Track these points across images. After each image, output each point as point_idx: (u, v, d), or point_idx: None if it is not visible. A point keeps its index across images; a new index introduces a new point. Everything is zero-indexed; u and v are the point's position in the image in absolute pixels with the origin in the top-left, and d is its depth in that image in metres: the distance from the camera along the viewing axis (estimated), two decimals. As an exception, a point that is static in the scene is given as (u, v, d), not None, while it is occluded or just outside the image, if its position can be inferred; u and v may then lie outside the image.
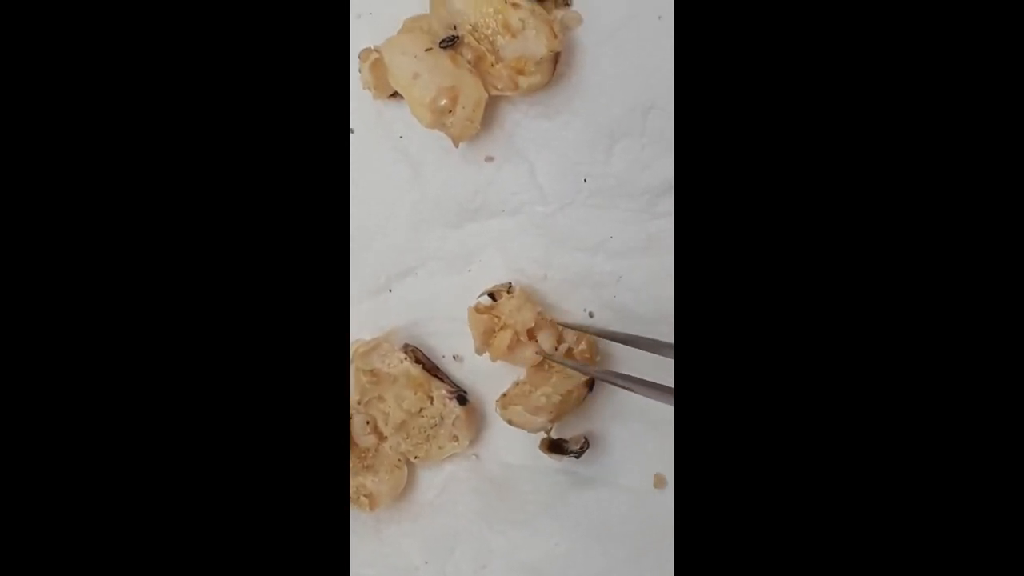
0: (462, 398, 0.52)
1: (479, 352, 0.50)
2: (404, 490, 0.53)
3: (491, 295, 0.50)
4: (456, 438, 0.52)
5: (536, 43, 0.47)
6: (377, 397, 0.52)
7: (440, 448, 0.52)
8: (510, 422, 0.49)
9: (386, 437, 0.53)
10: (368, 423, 0.52)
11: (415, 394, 0.52)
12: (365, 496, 0.52)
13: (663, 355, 0.44)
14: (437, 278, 0.52)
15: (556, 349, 0.49)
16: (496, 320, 0.49)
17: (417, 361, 0.52)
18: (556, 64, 0.48)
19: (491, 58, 0.48)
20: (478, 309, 0.50)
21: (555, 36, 0.47)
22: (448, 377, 0.53)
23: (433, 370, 0.52)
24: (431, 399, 0.52)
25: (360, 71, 0.49)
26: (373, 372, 0.52)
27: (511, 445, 0.53)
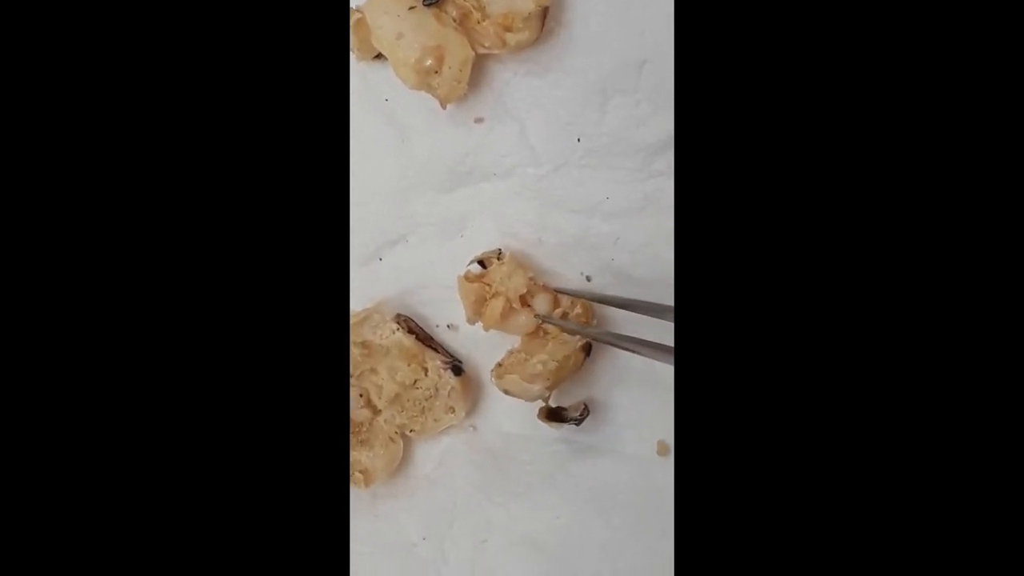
0: (457, 368, 0.50)
1: (471, 322, 0.49)
2: (400, 464, 0.52)
3: (481, 263, 0.48)
4: (452, 409, 0.51)
5: (524, -2, 0.45)
6: (370, 370, 0.51)
7: (436, 420, 0.51)
8: (506, 392, 0.48)
9: (380, 411, 0.51)
10: (361, 396, 0.51)
11: (408, 365, 0.50)
12: (360, 472, 0.51)
13: (661, 318, 0.42)
14: (428, 245, 0.51)
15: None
16: (487, 288, 0.48)
17: (410, 331, 0.51)
18: (544, 19, 0.46)
19: (477, 15, 0.46)
20: (468, 278, 0.48)
21: (543, -11, 0.45)
22: (442, 347, 0.51)
23: (427, 340, 0.51)
24: (425, 370, 0.51)
25: (342, 32, 0.48)
26: (365, 344, 0.50)
27: (509, 415, 0.51)
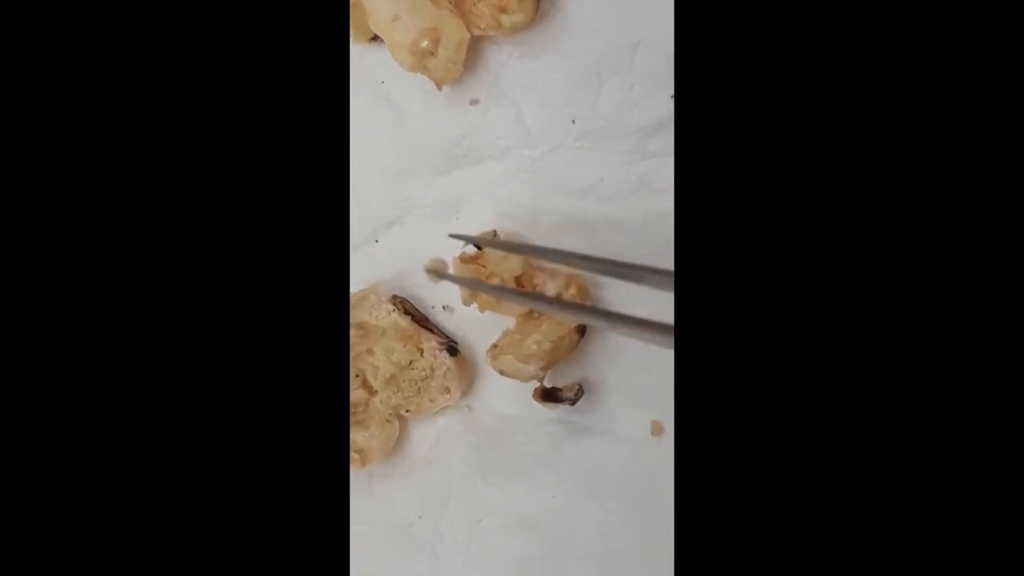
0: (452, 349, 0.51)
1: (466, 303, 0.49)
2: (396, 445, 0.52)
3: (476, 244, 0.49)
4: (448, 390, 0.51)
5: (518, -21, 0.45)
6: (366, 350, 0.51)
7: (432, 401, 0.51)
8: (501, 372, 0.48)
9: (376, 391, 0.52)
10: (357, 377, 0.51)
11: (404, 346, 0.51)
12: (356, 452, 0.52)
13: (659, 287, 0.41)
14: (424, 226, 0.51)
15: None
16: (482, 270, 0.48)
17: (406, 312, 0.51)
18: (539, 1, 0.46)
19: (472, -4, 0.46)
20: (463, 259, 0.48)
21: (538, -28, 0.45)
22: (438, 328, 0.52)
23: (422, 321, 0.51)
24: (421, 351, 0.51)
25: (338, 14, 0.48)
26: (361, 325, 0.51)
27: (505, 396, 0.52)
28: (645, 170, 0.48)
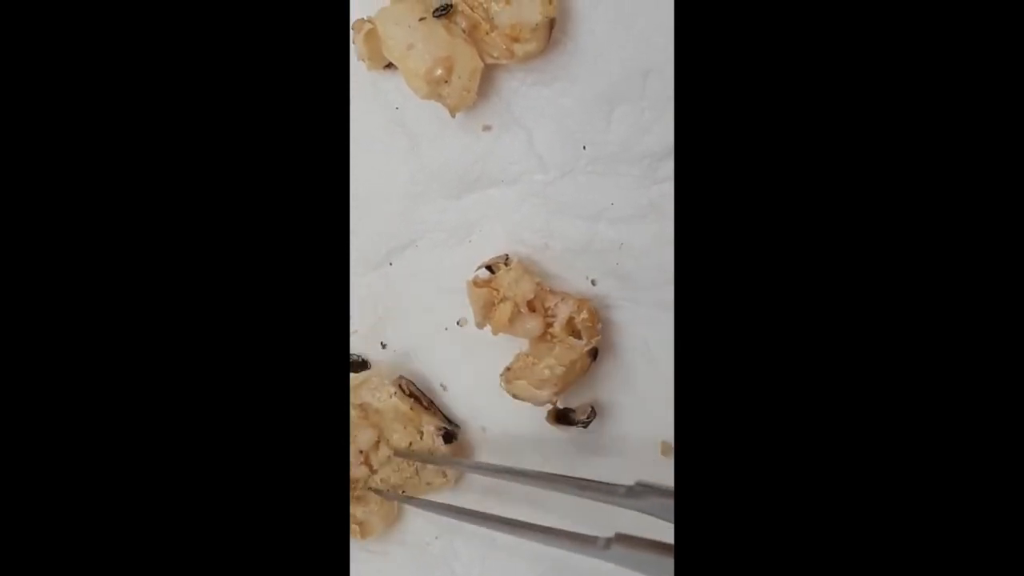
0: (448, 436, 0.52)
1: (480, 326, 0.49)
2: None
3: (489, 268, 0.49)
4: (444, 474, 0.53)
5: (531, 9, 0.46)
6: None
7: (428, 484, 0.53)
8: (515, 396, 0.49)
9: (376, 470, 0.53)
10: (361, 453, 0.52)
11: (405, 428, 0.52)
12: (355, 524, 0.53)
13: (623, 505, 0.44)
14: (438, 250, 0.52)
15: (553, 323, 0.49)
16: (495, 293, 0.49)
17: (409, 395, 0.52)
18: (552, 30, 0.47)
19: (486, 26, 0.47)
20: (476, 283, 0.49)
21: (550, 2, 0.46)
22: (439, 410, 0.53)
23: (424, 403, 0.53)
24: (421, 434, 0.52)
25: (354, 42, 0.49)
26: (362, 406, 0.52)
27: (518, 416, 0.52)
28: (655, 194, 0.48)
